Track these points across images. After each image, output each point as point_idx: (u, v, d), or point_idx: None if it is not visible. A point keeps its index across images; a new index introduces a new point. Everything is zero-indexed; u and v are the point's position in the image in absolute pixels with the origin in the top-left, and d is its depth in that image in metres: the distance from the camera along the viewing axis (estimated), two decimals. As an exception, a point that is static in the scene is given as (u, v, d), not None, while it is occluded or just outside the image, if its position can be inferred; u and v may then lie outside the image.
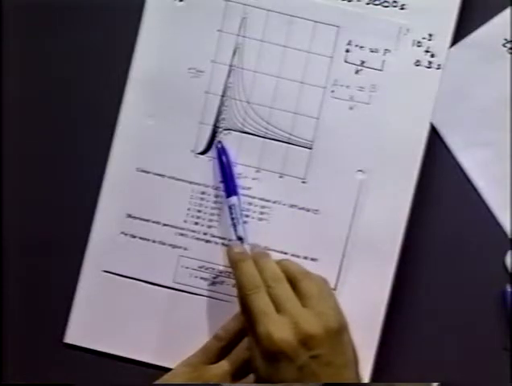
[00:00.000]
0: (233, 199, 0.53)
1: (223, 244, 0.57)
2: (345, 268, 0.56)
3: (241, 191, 0.56)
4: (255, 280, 0.48)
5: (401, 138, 0.57)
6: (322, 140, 0.57)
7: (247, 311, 0.47)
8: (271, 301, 0.47)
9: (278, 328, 0.45)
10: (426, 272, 0.56)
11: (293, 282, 0.49)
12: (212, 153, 0.57)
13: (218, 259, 0.57)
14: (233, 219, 0.53)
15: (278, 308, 0.47)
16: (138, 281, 0.57)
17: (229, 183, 0.54)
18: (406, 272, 0.56)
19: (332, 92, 0.57)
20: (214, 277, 0.57)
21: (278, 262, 0.50)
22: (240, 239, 0.53)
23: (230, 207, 0.53)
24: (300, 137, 0.57)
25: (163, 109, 0.57)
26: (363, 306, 0.55)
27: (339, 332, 0.47)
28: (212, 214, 0.57)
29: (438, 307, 0.57)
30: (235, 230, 0.53)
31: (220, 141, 0.55)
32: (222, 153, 0.56)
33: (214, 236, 0.57)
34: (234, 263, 0.51)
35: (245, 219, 0.56)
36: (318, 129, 0.57)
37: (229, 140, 0.57)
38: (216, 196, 0.57)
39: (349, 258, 0.56)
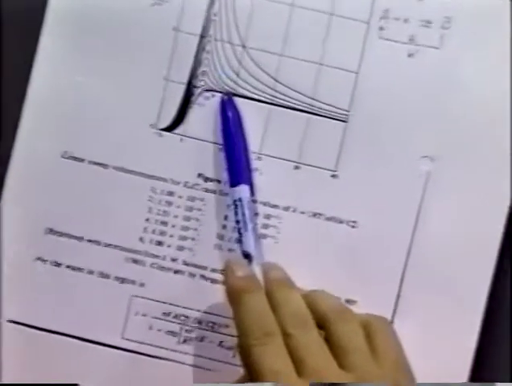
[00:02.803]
0: (242, 190, 0.38)
1: (203, 276, 0.40)
2: (402, 314, 0.40)
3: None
4: (267, 323, 0.35)
5: (488, 107, 0.40)
6: (364, 108, 0.40)
7: (251, 371, 0.34)
8: (290, 357, 0.34)
9: None
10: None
11: (325, 326, 0.35)
12: (186, 127, 0.40)
13: (195, 301, 0.40)
14: (238, 222, 0.38)
15: (300, 369, 0.34)
16: (63, 338, 0.41)
17: (238, 164, 0.39)
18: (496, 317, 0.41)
19: (381, 29, 0.40)
20: (188, 331, 0.40)
21: (307, 295, 0.37)
22: (247, 256, 0.37)
23: (236, 204, 0.38)
24: (328, 103, 0.40)
25: (103, 56, 0.40)
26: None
27: None
28: (185, 227, 0.40)
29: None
30: (240, 241, 0.37)
31: (228, 93, 0.39)
32: (229, 109, 0.39)
33: (188, 264, 0.40)
34: (235, 295, 0.36)
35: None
36: (357, 90, 0.40)
37: (212, 108, 0.40)
38: (193, 199, 0.40)
39: (408, 298, 0.40)
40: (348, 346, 0.34)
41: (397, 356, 0.35)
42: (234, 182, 0.38)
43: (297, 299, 0.36)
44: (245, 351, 0.35)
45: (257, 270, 0.37)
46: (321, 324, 0.35)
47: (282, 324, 0.35)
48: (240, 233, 0.38)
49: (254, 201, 0.39)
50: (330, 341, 0.35)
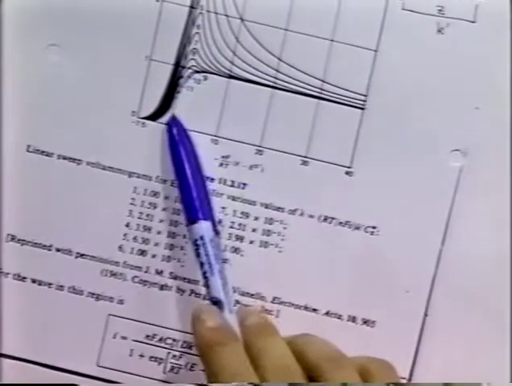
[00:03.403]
0: (203, 227, 0.36)
1: (194, 292, 0.38)
2: (430, 336, 0.38)
3: (230, 192, 0.38)
4: (245, 379, 0.33)
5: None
6: (384, 93, 0.38)
7: None
8: None
9: None
10: None
11: (315, 375, 0.34)
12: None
13: (184, 322, 0.38)
14: (202, 265, 0.35)
15: None
16: (25, 364, 0.39)
17: (192, 195, 0.37)
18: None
19: (404, -1, 0.38)
20: (176, 357, 0.39)
21: (292, 341, 0.35)
22: (216, 303, 0.36)
23: (197, 244, 0.35)
24: (342, 86, 0.38)
25: (77, 31, 0.38)
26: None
27: None
28: (172, 234, 0.38)
29: None
30: (207, 286, 0.36)
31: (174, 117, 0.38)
32: (175, 131, 0.38)
33: (176, 278, 0.38)
34: (207, 349, 0.34)
35: (239, 244, 0.39)
36: (376, 71, 0.38)
37: (204, 92, 0.38)
38: (179, 199, 0.38)
39: (437, 317, 0.38)
40: None
41: None
42: (192, 219, 0.36)
43: (280, 347, 0.35)
44: None
45: (230, 318, 0.36)
46: (312, 374, 0.34)
47: (264, 377, 0.34)
48: (206, 277, 0.36)
49: (217, 233, 0.37)
50: None
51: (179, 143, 0.37)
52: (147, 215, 0.38)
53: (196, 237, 0.36)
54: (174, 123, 0.37)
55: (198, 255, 0.36)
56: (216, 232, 0.37)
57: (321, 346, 0.35)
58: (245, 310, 0.36)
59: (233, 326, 0.35)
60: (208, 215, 0.36)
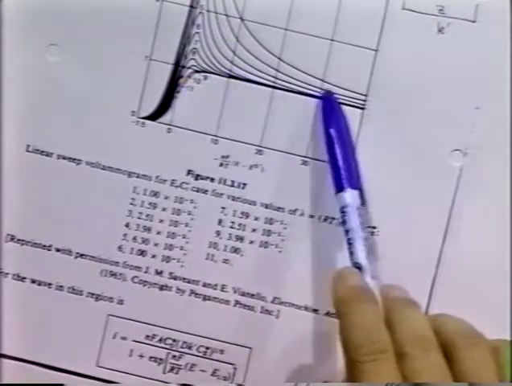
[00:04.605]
0: (349, 195, 0.37)
1: (194, 292, 0.38)
2: None
3: (230, 192, 0.39)
4: (379, 337, 0.34)
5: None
6: (384, 93, 0.38)
7: None
8: (403, 380, 0.33)
9: None
10: None
11: (449, 353, 0.34)
12: (174, 116, 0.38)
13: (184, 322, 0.39)
14: (347, 232, 0.37)
15: None
16: (25, 365, 0.39)
17: (340, 165, 0.38)
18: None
19: (405, -2, 0.38)
20: (176, 358, 0.39)
21: (433, 317, 0.36)
22: (358, 269, 0.37)
23: (343, 211, 0.37)
24: (342, 86, 0.38)
25: (77, 31, 0.38)
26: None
27: None
28: (172, 234, 0.38)
29: None
30: (350, 251, 0.37)
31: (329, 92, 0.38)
32: (330, 107, 0.38)
33: (176, 278, 0.38)
34: (344, 305, 0.35)
35: (239, 244, 0.39)
36: (377, 71, 0.38)
37: (204, 92, 0.38)
38: (181, 200, 0.38)
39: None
40: (476, 378, 0.33)
41: None
42: (340, 187, 0.37)
43: (420, 318, 0.35)
44: (350, 370, 0.34)
45: (371, 284, 0.36)
46: (447, 349, 0.34)
47: (399, 342, 0.34)
48: (350, 244, 0.37)
49: (363, 203, 0.38)
50: (455, 370, 0.34)
51: (331, 117, 0.38)
52: (147, 216, 0.38)
53: (343, 204, 0.37)
54: (328, 98, 0.38)
55: (344, 222, 0.37)
56: (363, 202, 0.38)
57: (459, 323, 0.35)
58: (389, 286, 0.37)
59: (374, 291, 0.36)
60: (356, 185, 0.37)
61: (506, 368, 0.34)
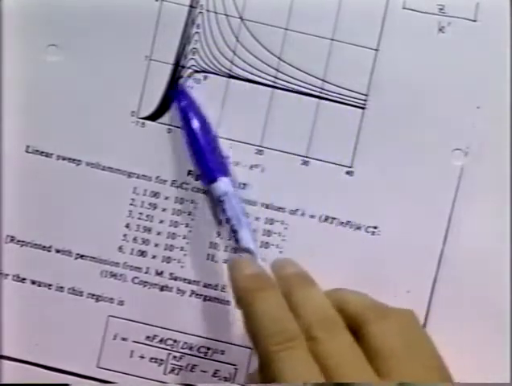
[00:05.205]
0: (223, 183, 0.37)
1: (194, 293, 0.38)
2: (431, 334, 0.36)
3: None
4: (287, 325, 0.33)
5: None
6: (385, 92, 0.38)
7: (271, 380, 0.33)
8: (316, 365, 0.32)
9: None
10: None
11: (357, 327, 0.34)
12: (174, 116, 0.39)
13: (185, 323, 0.38)
14: (229, 219, 0.36)
15: (331, 378, 0.32)
16: (25, 366, 0.39)
17: (207, 157, 0.37)
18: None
19: (405, -3, 0.38)
20: (176, 358, 0.38)
21: (332, 293, 0.35)
22: (248, 252, 0.36)
23: (220, 200, 0.36)
24: (343, 86, 0.38)
25: (77, 31, 0.38)
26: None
27: None
28: (172, 235, 0.38)
29: None
30: (236, 239, 0.36)
31: (181, 85, 0.38)
32: (184, 100, 0.38)
33: (176, 278, 0.38)
34: (245, 295, 0.34)
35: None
36: (377, 70, 0.38)
37: (204, 92, 0.38)
38: (182, 200, 0.38)
39: (439, 316, 0.38)
40: (384, 349, 0.33)
41: (431, 354, 0.35)
42: (212, 178, 0.37)
43: (320, 297, 0.34)
44: (264, 360, 0.33)
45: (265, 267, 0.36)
46: (354, 324, 0.34)
47: (306, 326, 0.33)
48: (234, 231, 0.36)
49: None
50: (366, 344, 0.33)
51: (188, 111, 0.37)
52: (147, 216, 0.38)
53: (220, 194, 0.36)
54: (182, 93, 0.37)
55: (224, 211, 0.36)
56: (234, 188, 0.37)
57: (361, 297, 0.35)
58: (281, 261, 0.36)
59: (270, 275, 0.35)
60: (227, 172, 0.37)
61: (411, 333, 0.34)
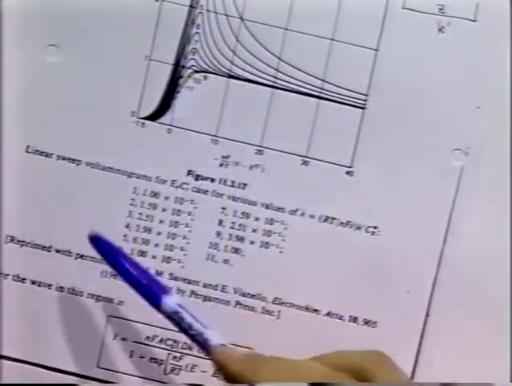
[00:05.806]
0: (172, 299, 0.34)
1: (194, 293, 0.38)
2: (431, 337, 0.38)
3: (230, 193, 0.38)
4: None
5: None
6: (385, 92, 0.38)
7: None
8: None
9: None
10: None
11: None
12: (174, 116, 0.38)
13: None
14: (190, 327, 0.33)
15: None
16: (26, 366, 0.38)
17: (148, 278, 0.35)
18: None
19: (405, -3, 0.37)
20: (177, 358, 0.38)
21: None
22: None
23: (173, 318, 0.33)
24: (343, 86, 0.38)
25: (77, 31, 0.38)
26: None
27: None
28: (172, 235, 0.38)
29: None
30: (204, 345, 0.33)
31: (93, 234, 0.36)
32: (101, 245, 0.35)
33: (176, 278, 0.38)
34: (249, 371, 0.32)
35: (240, 245, 0.38)
36: (377, 70, 0.38)
37: (204, 92, 0.38)
38: (182, 200, 0.38)
39: (439, 317, 0.38)
40: None
41: None
42: (159, 300, 0.35)
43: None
44: None
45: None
46: None
47: None
48: (196, 337, 0.34)
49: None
50: None
51: (112, 252, 0.35)
52: (147, 216, 0.37)
53: (175, 309, 0.34)
54: (97, 239, 0.35)
55: (182, 321, 0.34)
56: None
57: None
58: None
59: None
60: (166, 289, 0.35)
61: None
